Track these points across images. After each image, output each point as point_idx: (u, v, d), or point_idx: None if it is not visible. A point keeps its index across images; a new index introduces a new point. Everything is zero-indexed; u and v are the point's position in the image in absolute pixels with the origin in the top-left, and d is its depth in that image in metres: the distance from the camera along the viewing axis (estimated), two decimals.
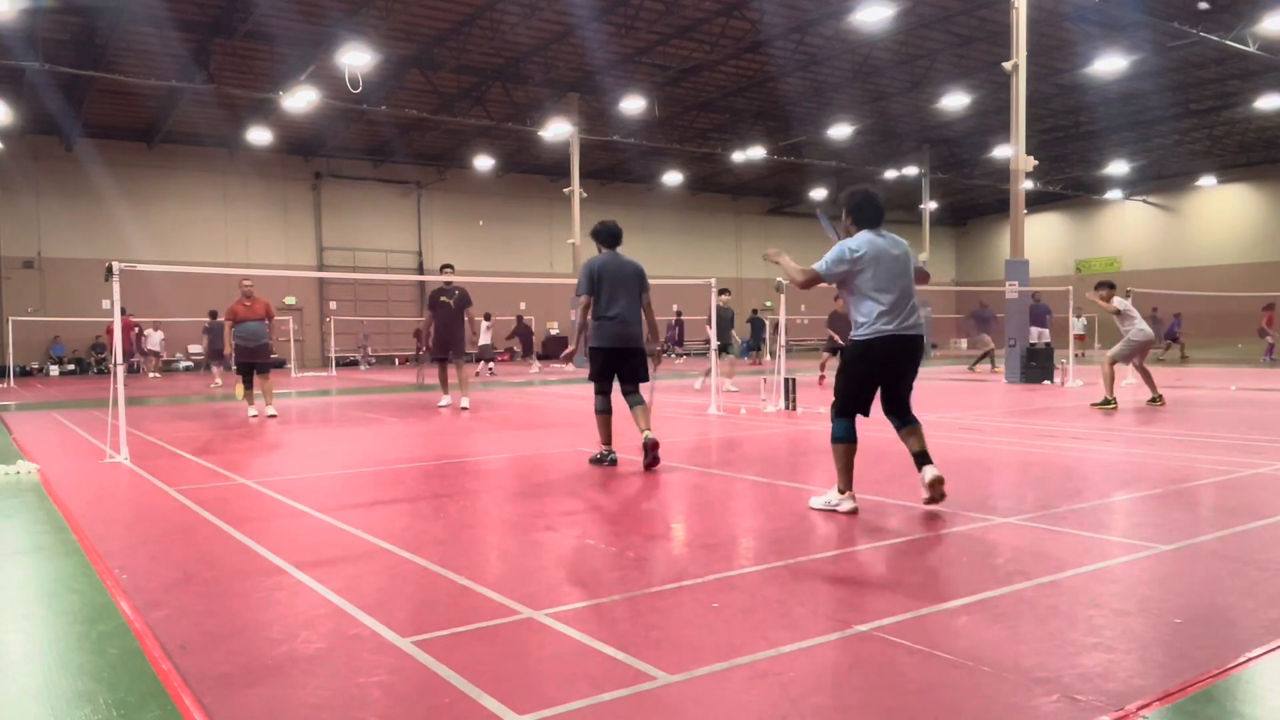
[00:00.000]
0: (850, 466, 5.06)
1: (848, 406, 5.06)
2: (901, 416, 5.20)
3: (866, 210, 5.07)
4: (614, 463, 7.00)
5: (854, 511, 5.03)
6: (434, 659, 2.89)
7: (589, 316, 6.94)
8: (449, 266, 12.61)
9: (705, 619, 3.28)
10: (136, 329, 22.99)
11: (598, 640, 3.04)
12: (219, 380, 19.83)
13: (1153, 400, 11.34)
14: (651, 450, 6.69)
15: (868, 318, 4.96)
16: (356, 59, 19.80)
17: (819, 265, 5.03)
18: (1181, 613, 3.26)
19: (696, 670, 2.77)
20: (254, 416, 11.29)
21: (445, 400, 12.85)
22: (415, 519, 5.20)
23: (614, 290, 6.88)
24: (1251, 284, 30.83)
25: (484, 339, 23.15)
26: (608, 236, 7.11)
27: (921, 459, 5.10)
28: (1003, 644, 2.97)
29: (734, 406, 11.80)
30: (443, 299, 12.27)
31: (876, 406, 5.27)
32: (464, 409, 12.22)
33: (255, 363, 11.30)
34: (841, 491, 5.07)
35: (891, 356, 5.00)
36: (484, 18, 20.20)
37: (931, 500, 5.04)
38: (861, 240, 4.98)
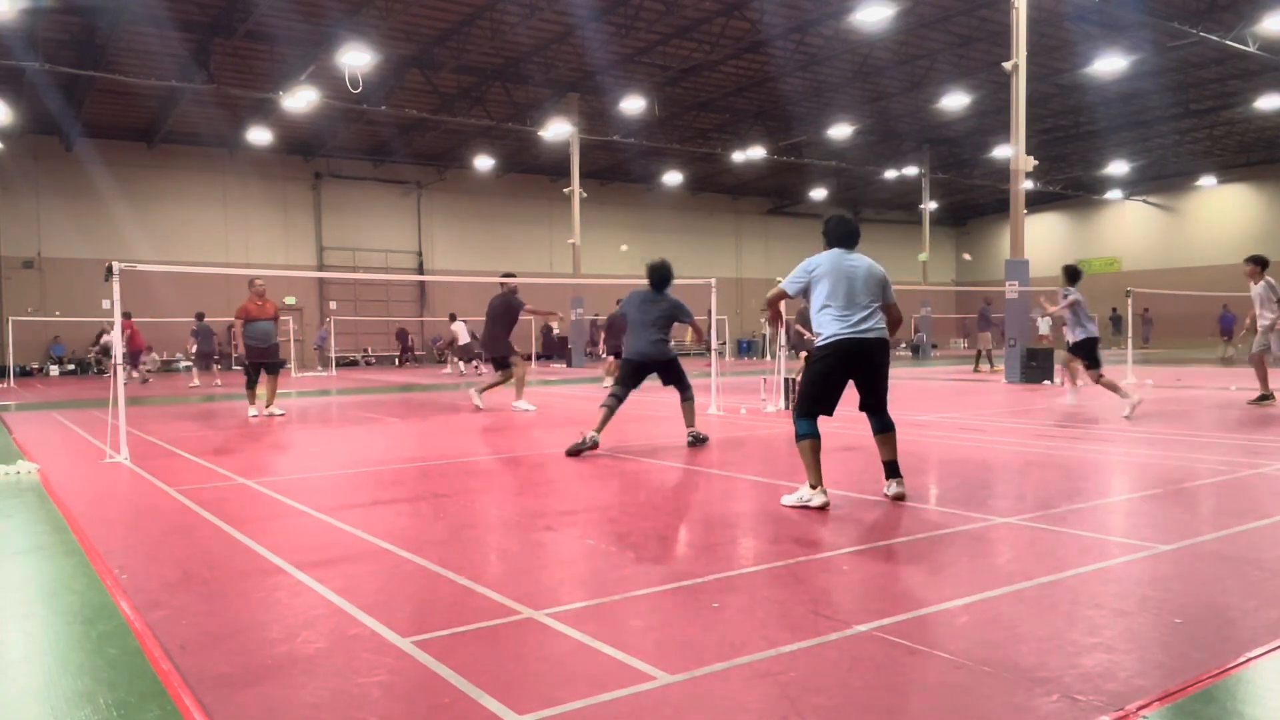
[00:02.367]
0: (817, 462, 5.24)
1: (808, 406, 5.33)
2: (879, 417, 5.44)
3: (836, 231, 5.52)
4: (595, 445, 7.73)
5: (825, 506, 5.14)
6: (434, 659, 2.89)
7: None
8: (510, 275, 12.41)
9: (705, 619, 3.28)
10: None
11: (598, 640, 3.04)
12: (197, 381, 19.67)
13: (1263, 399, 10.97)
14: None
15: (824, 326, 5.32)
16: (356, 59, 19.79)
17: (784, 283, 5.52)
18: (1181, 613, 3.26)
19: (696, 670, 2.77)
20: (254, 417, 11.26)
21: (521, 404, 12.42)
22: (415, 519, 5.20)
23: (644, 317, 8.17)
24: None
25: (464, 339, 23.24)
26: (657, 279, 8.21)
27: (890, 469, 5.41)
28: (1003, 644, 2.97)
29: (734, 406, 11.80)
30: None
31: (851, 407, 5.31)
32: (529, 409, 11.98)
33: (265, 363, 11.30)
34: (813, 486, 5.22)
35: (849, 358, 5.28)
36: (484, 18, 20.19)
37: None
38: (821, 256, 5.44)
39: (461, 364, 24.28)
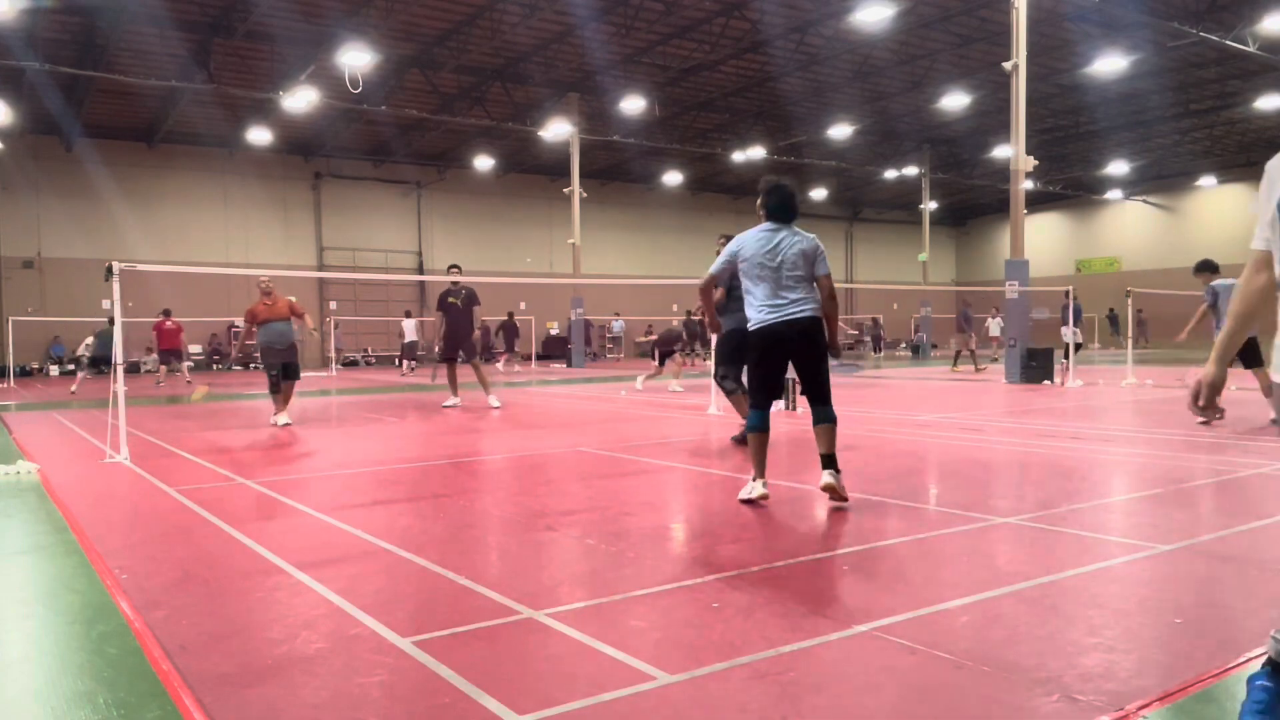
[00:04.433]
0: (762, 456, 5.21)
1: (755, 396, 5.27)
2: (817, 407, 5.22)
3: (771, 200, 5.24)
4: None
5: (765, 498, 5.19)
6: (434, 659, 2.89)
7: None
8: (456, 267, 12.64)
9: (705, 619, 3.28)
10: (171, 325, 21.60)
11: (598, 640, 3.04)
12: (74, 388, 18.50)
13: None
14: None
15: (750, 310, 5.19)
16: (356, 59, 19.79)
17: (712, 268, 5.38)
18: (1181, 613, 3.26)
19: (696, 670, 2.77)
20: (286, 424, 10.40)
21: (452, 401, 12.71)
22: (415, 519, 5.20)
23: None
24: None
25: (410, 336, 23.71)
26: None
27: (826, 461, 5.15)
28: (1003, 644, 2.97)
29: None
30: (450, 299, 12.23)
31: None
32: (495, 408, 12.11)
33: (287, 364, 10.61)
34: (754, 479, 5.22)
35: (778, 342, 5.12)
36: (484, 18, 20.19)
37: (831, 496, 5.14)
38: (747, 235, 5.24)
39: (407, 364, 24.33)
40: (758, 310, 5.13)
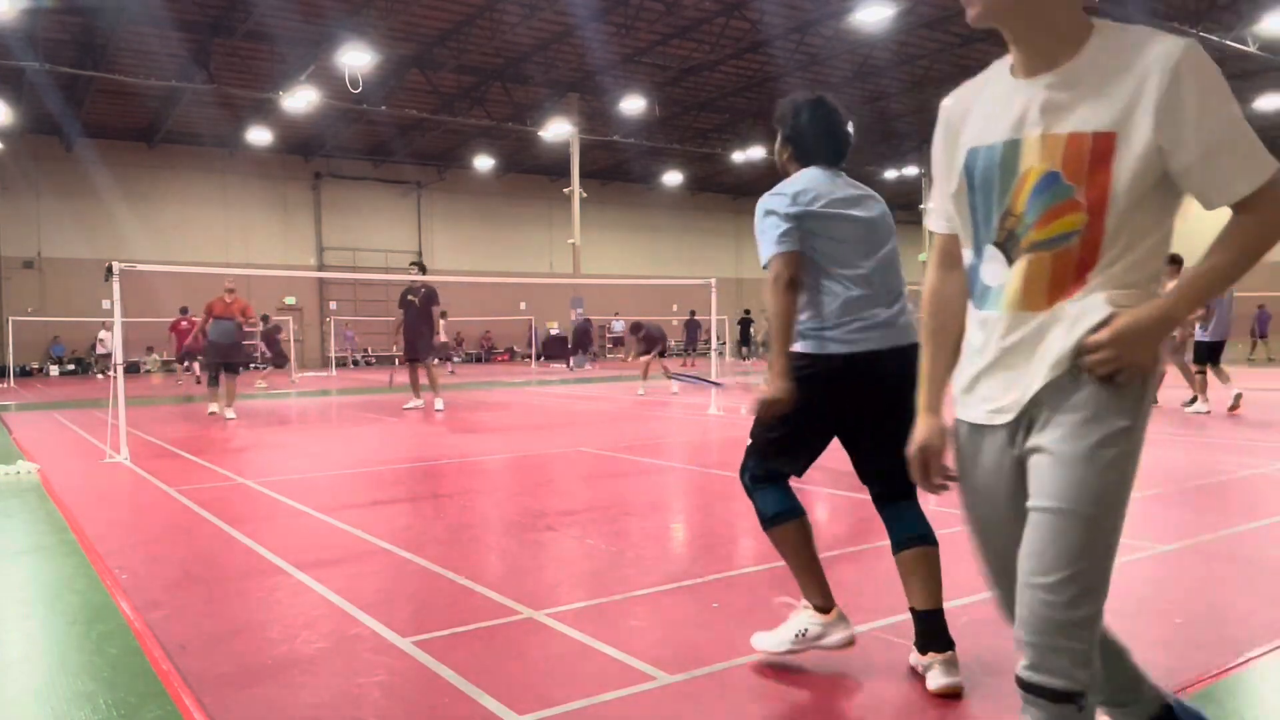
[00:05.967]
0: (812, 558, 2.82)
1: (773, 459, 2.96)
2: (897, 507, 2.97)
3: (814, 128, 2.93)
4: None
5: (850, 643, 2.77)
6: (434, 659, 2.89)
7: None
8: (417, 264, 12.33)
9: (705, 619, 3.28)
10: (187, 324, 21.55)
11: (598, 640, 3.04)
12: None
13: None
14: None
15: (826, 312, 2.78)
16: (356, 59, 19.80)
17: (769, 242, 2.81)
18: (1181, 613, 3.26)
19: (696, 670, 2.77)
20: (213, 413, 11.38)
21: (413, 403, 12.28)
22: (415, 519, 5.20)
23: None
24: (1251, 284, 30.79)
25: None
26: None
27: (929, 629, 2.65)
28: (1004, 644, 2.97)
29: (734, 406, 11.79)
30: (409, 298, 11.84)
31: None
32: (438, 411, 11.66)
33: (225, 362, 11.45)
34: (823, 610, 2.76)
35: (859, 384, 2.79)
36: (484, 18, 20.19)
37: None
38: (806, 177, 2.85)
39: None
40: (842, 318, 2.68)
